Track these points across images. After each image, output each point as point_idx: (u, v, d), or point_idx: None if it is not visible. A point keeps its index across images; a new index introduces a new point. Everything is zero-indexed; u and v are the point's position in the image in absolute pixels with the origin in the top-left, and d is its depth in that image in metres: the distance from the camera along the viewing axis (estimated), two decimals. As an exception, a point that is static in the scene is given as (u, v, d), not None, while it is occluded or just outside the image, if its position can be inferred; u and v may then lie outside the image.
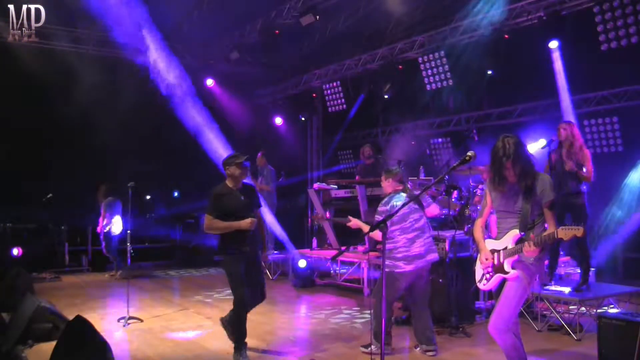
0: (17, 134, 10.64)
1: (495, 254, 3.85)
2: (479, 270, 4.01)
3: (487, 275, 3.91)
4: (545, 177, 3.77)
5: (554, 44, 8.51)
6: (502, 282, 3.84)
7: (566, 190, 6.05)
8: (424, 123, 12.09)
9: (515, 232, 3.74)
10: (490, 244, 3.92)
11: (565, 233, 3.47)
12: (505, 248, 3.79)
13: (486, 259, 3.88)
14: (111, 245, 10.19)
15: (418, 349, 5.31)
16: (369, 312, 6.89)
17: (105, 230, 10.13)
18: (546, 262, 5.81)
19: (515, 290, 3.73)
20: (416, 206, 5.27)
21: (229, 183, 5.21)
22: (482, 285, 3.98)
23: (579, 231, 3.42)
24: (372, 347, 5.14)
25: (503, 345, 3.81)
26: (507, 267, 3.76)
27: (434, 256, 5.22)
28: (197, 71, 12.30)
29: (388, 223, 4.35)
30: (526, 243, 3.61)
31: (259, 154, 10.49)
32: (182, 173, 12.55)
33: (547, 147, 6.31)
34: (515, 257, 3.73)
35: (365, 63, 11.56)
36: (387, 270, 5.04)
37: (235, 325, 5.12)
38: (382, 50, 11.18)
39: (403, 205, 4.39)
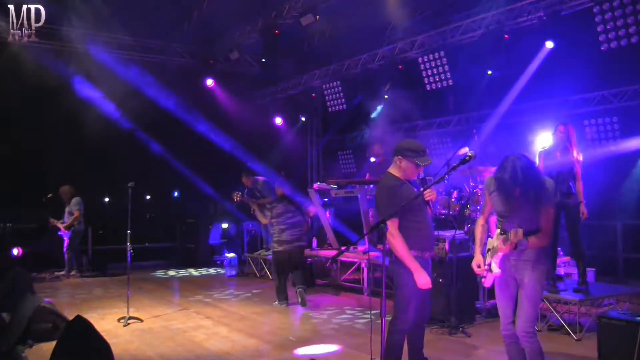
0: (18, 134, 10.64)
1: (489, 253, 3.88)
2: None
3: (485, 273, 3.94)
4: (548, 182, 3.74)
5: (549, 44, 8.49)
6: (502, 281, 3.85)
7: (560, 190, 6.03)
8: (424, 123, 12.09)
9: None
10: (487, 244, 3.94)
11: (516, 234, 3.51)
12: (493, 247, 3.82)
13: (478, 267, 3.89)
14: (74, 244, 10.19)
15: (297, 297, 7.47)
16: (369, 312, 6.89)
17: (74, 229, 10.11)
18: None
19: (533, 288, 3.71)
20: (292, 207, 7.49)
21: (395, 173, 4.19)
22: (483, 282, 4.02)
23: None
24: (276, 302, 7.56)
25: (530, 349, 3.69)
26: (494, 266, 3.79)
27: (299, 244, 7.52)
28: (197, 71, 12.30)
29: (270, 217, 7.76)
30: (502, 238, 3.63)
31: (244, 178, 10.11)
32: (182, 173, 12.54)
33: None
34: (500, 255, 3.74)
35: (365, 63, 11.55)
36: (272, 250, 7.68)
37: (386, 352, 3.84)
38: (382, 50, 11.17)
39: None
